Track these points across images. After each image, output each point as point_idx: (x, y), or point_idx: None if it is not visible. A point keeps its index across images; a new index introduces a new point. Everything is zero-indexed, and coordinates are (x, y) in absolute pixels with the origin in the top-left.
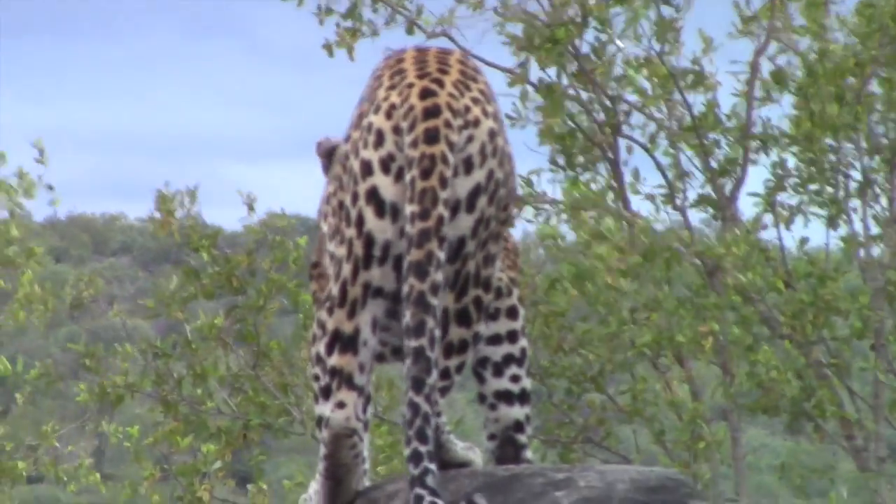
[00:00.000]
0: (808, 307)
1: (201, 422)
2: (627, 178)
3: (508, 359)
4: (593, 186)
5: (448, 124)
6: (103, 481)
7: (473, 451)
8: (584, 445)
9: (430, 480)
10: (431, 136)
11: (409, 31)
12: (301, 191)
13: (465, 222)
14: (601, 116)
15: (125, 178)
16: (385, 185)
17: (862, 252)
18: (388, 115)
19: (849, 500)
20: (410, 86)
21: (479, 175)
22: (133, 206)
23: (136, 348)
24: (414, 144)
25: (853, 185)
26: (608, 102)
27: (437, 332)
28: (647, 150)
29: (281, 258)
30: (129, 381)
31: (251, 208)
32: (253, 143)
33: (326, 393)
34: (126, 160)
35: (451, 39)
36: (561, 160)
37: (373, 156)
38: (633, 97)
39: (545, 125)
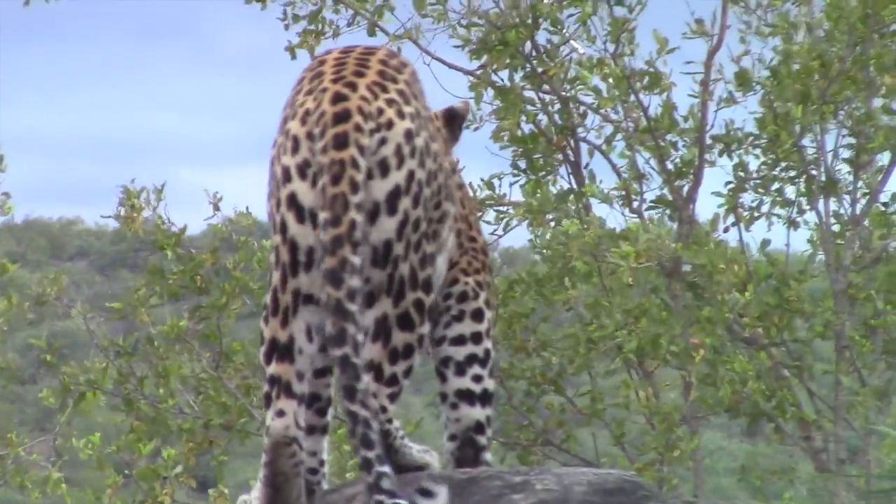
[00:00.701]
0: (773, 309)
1: (162, 420)
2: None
3: (471, 359)
4: (554, 189)
5: (358, 128)
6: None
7: (430, 454)
8: (544, 448)
9: (385, 483)
10: (341, 142)
11: (371, 33)
12: (257, 196)
13: (389, 225)
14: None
15: (80, 182)
16: (303, 191)
17: (823, 254)
18: (303, 121)
19: (807, 501)
20: (324, 90)
21: (397, 177)
22: (89, 211)
23: (98, 347)
24: (324, 150)
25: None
26: (560, 105)
27: (360, 337)
28: (602, 152)
29: (245, 258)
30: (91, 378)
31: (217, 207)
32: (208, 147)
33: (267, 401)
34: (81, 165)
35: (415, 42)
36: (522, 164)
37: (290, 162)
38: (588, 98)
39: (499, 127)
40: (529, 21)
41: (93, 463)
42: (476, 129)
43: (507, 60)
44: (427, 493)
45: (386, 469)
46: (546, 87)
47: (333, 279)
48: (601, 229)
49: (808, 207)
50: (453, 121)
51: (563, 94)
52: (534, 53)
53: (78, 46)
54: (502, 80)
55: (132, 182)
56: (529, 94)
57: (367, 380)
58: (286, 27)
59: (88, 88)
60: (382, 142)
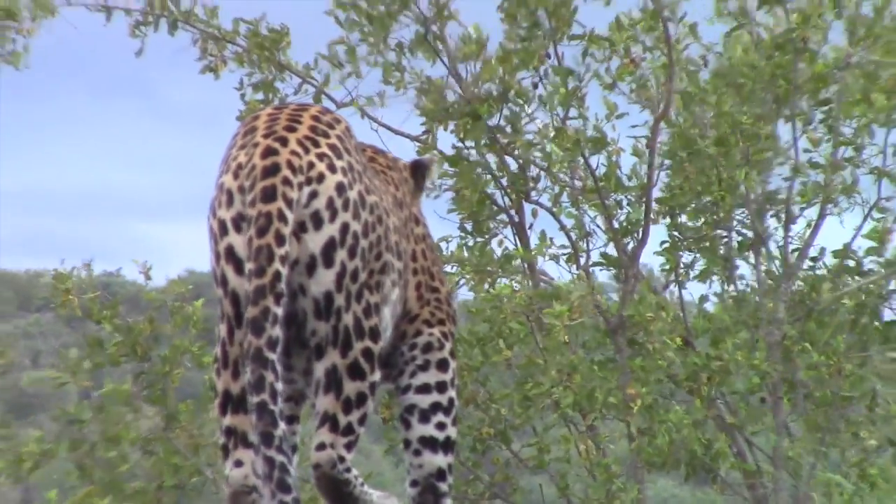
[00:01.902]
0: (701, 369)
1: (116, 485)
2: (534, 241)
3: (435, 407)
4: (498, 250)
5: (286, 181)
6: None
7: (390, 500)
8: (492, 501)
9: None
10: (268, 195)
11: (317, 100)
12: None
13: (327, 277)
14: (505, 182)
15: (42, 235)
16: (239, 244)
17: (756, 308)
18: (236, 175)
19: None
20: (256, 145)
21: (330, 229)
22: (52, 263)
23: (49, 416)
24: (252, 203)
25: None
26: (517, 170)
27: (279, 385)
28: (552, 213)
29: (181, 322)
30: (45, 447)
31: (147, 276)
32: (160, 201)
33: (225, 452)
34: (42, 218)
35: (361, 109)
36: (469, 226)
37: (226, 215)
38: (541, 162)
39: (460, 196)
40: (496, 95)
41: None
42: (436, 196)
43: (475, 131)
44: None
45: None
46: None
47: (255, 328)
48: (533, 290)
49: (739, 264)
50: (418, 171)
51: (519, 159)
52: (501, 124)
53: (38, 103)
54: (463, 145)
55: (62, 263)
56: (483, 158)
57: (283, 426)
58: (242, 96)
59: (46, 144)
60: (313, 195)
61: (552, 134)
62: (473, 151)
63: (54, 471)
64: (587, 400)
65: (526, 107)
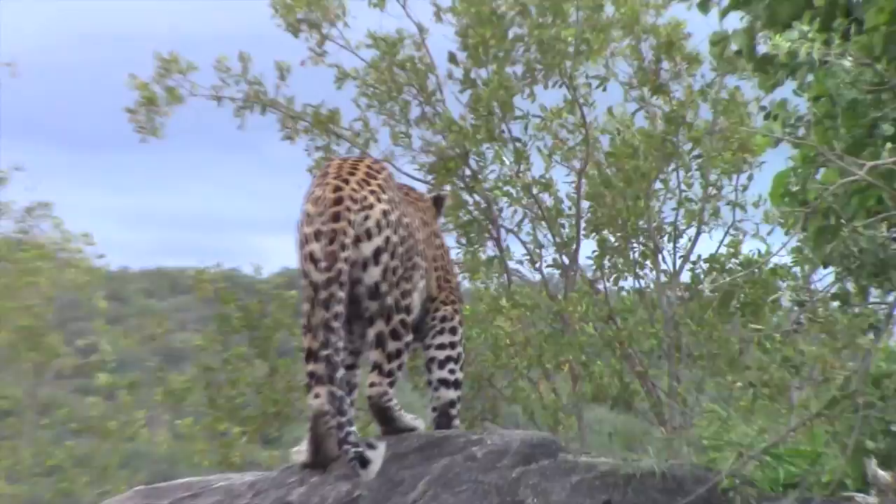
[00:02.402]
0: (615, 336)
1: (234, 413)
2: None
3: (449, 358)
4: (483, 256)
5: (348, 209)
6: None
7: (418, 421)
8: (483, 422)
9: (351, 438)
10: (336, 217)
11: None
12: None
13: (376, 272)
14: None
15: (189, 243)
16: (317, 250)
17: (654, 295)
18: (315, 203)
19: (655, 455)
20: (328, 184)
21: (378, 240)
22: (194, 262)
23: (193, 365)
24: (325, 223)
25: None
26: (485, 204)
27: (340, 344)
28: (514, 233)
29: (280, 304)
30: (187, 386)
31: (258, 272)
32: (263, 221)
33: (308, 389)
34: (188, 232)
35: (390, 162)
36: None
37: (307, 230)
38: (503, 200)
39: (452, 215)
40: (464, 154)
41: (185, 437)
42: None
43: (449, 179)
44: (372, 446)
45: (352, 429)
46: (475, 194)
47: (325, 306)
48: (504, 288)
49: (647, 266)
50: (438, 202)
51: (487, 196)
52: (467, 173)
53: (179, 156)
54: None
55: (201, 263)
56: (460, 197)
57: (342, 371)
58: (308, 155)
59: (190, 182)
60: (366, 217)
61: (511, 179)
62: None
63: (192, 404)
64: (537, 363)
65: (486, 163)
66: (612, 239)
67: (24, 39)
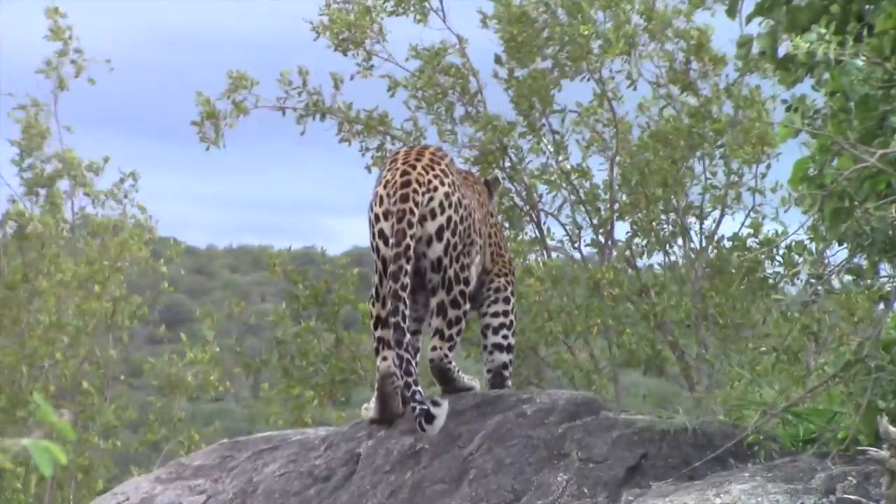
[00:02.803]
0: (650, 309)
1: (305, 380)
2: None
3: (502, 325)
4: (526, 238)
5: (415, 191)
6: None
7: (474, 381)
8: (529, 386)
9: (417, 396)
10: (404, 198)
11: None
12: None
13: (439, 247)
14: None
15: (268, 224)
16: (387, 228)
17: (683, 271)
18: (384, 186)
19: (686, 414)
20: (397, 169)
21: (441, 219)
22: (272, 241)
23: (266, 338)
24: (394, 203)
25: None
26: (526, 192)
27: (407, 312)
28: (554, 216)
29: (344, 282)
30: (264, 357)
31: (323, 255)
32: (334, 204)
33: (377, 353)
34: (266, 213)
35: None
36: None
37: (378, 210)
38: (544, 187)
39: (498, 202)
40: (502, 149)
41: (263, 400)
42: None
43: (490, 170)
44: (437, 404)
45: (418, 388)
46: (515, 182)
47: (394, 277)
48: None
49: (672, 245)
50: (491, 186)
51: (527, 184)
52: (507, 164)
53: (249, 148)
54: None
55: (273, 248)
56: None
57: (408, 337)
58: (362, 154)
59: (266, 172)
60: (431, 199)
61: (544, 171)
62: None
63: (270, 371)
64: (572, 329)
65: (524, 154)
66: (642, 219)
67: (111, 37)
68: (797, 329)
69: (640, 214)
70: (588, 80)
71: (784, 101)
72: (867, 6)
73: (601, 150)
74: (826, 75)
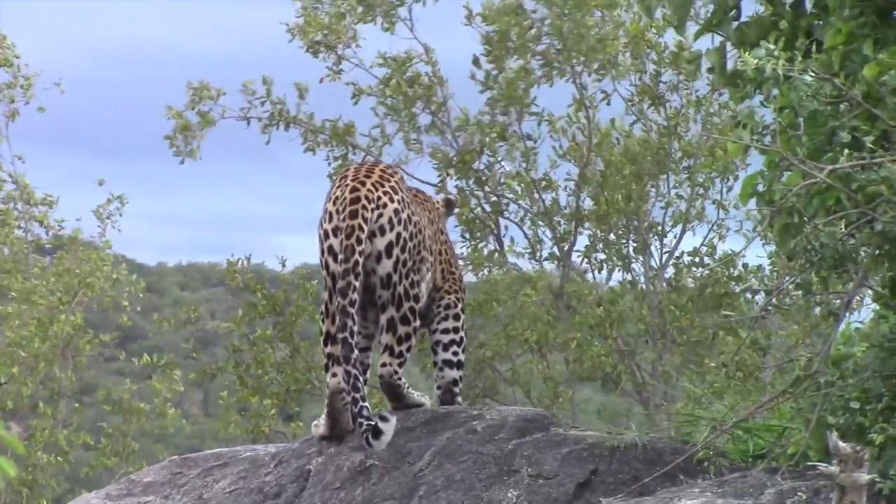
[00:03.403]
0: (604, 319)
1: (261, 389)
2: (506, 244)
3: (452, 342)
4: (486, 250)
5: (364, 207)
6: None
7: (425, 398)
8: (485, 399)
9: (364, 412)
10: (353, 214)
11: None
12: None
13: (388, 264)
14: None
15: (217, 241)
16: (336, 244)
17: (642, 287)
18: (334, 203)
19: (637, 430)
20: (346, 185)
21: (390, 236)
22: (224, 258)
23: (222, 347)
24: (343, 220)
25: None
26: (495, 198)
27: (355, 328)
28: (519, 226)
29: (302, 293)
30: (219, 365)
31: (283, 265)
32: (285, 221)
33: (326, 369)
34: (219, 231)
35: (401, 168)
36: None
37: (328, 227)
38: (509, 195)
39: (458, 216)
40: (479, 149)
41: (222, 409)
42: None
43: (464, 173)
44: (385, 419)
45: (365, 404)
46: (486, 187)
47: (342, 294)
48: (510, 276)
49: (634, 259)
50: (448, 205)
51: (496, 192)
52: (480, 167)
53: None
54: (463, 184)
55: (232, 255)
56: (476, 190)
57: (357, 353)
58: (328, 164)
59: (221, 188)
60: (380, 215)
61: (515, 176)
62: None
63: (224, 380)
64: (544, 338)
65: (497, 158)
66: (601, 234)
67: (48, 55)
68: (747, 344)
69: (601, 228)
70: (569, 81)
71: (733, 118)
72: (816, 22)
73: (575, 159)
74: (775, 91)
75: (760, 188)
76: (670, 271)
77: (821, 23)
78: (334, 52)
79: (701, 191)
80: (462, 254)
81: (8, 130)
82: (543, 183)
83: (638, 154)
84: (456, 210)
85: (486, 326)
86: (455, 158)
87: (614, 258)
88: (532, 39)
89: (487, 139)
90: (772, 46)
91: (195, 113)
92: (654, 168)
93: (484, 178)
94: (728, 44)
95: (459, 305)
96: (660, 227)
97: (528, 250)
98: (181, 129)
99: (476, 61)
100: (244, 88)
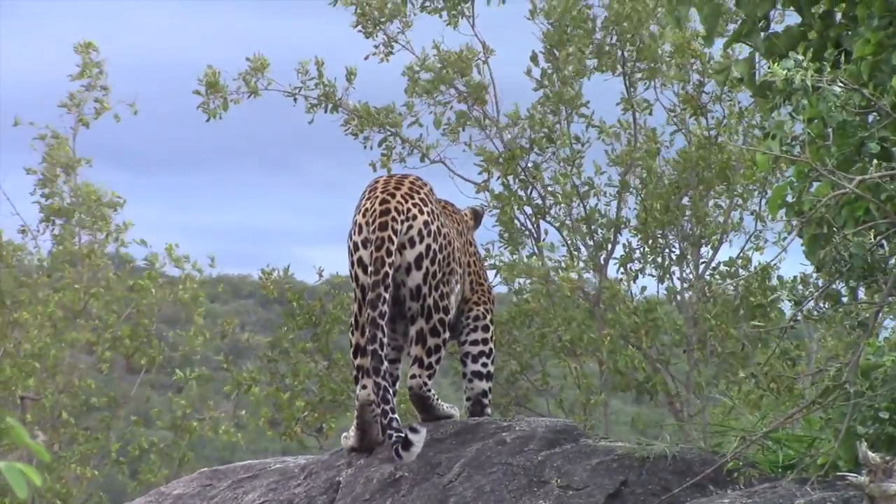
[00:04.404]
0: (640, 326)
1: (295, 399)
2: (546, 251)
3: (481, 353)
4: (524, 253)
5: (394, 219)
6: None
7: (454, 409)
8: (516, 408)
9: (394, 424)
10: (383, 226)
11: (422, 160)
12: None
13: (418, 276)
14: (528, 210)
15: (248, 253)
16: (365, 256)
17: (678, 297)
18: (364, 215)
19: (669, 440)
20: (376, 198)
21: (419, 248)
22: (254, 270)
23: (256, 355)
24: (373, 231)
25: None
26: (539, 200)
27: (385, 340)
28: (558, 230)
29: (338, 303)
30: (253, 375)
31: (320, 275)
32: (315, 233)
33: (356, 381)
34: (248, 244)
35: (444, 163)
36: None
37: (357, 239)
38: (550, 200)
39: (500, 216)
40: (530, 146)
41: (251, 406)
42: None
43: (510, 170)
44: (415, 431)
45: (395, 416)
46: (532, 188)
47: (372, 306)
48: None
49: (673, 269)
50: (475, 216)
51: (542, 194)
52: (528, 165)
53: (208, 176)
54: (504, 186)
55: (267, 265)
56: (517, 192)
57: (386, 364)
58: (370, 149)
59: (245, 197)
60: (410, 227)
61: (565, 178)
62: (514, 187)
63: (257, 392)
64: (579, 339)
65: (546, 158)
66: (637, 243)
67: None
68: (777, 355)
69: (638, 235)
70: (619, 75)
71: (763, 129)
72: (844, 32)
73: (621, 164)
74: (804, 102)
75: (790, 199)
76: (705, 281)
77: (850, 33)
78: (384, 32)
79: (739, 201)
80: (497, 256)
81: (74, 142)
82: (586, 187)
83: (678, 164)
84: (481, 220)
85: (520, 336)
86: (502, 155)
87: (651, 266)
88: (588, 32)
89: (536, 137)
90: (801, 57)
91: (242, 80)
92: (693, 179)
93: (531, 179)
94: (757, 54)
95: (488, 317)
96: (697, 238)
97: (566, 256)
98: (209, 86)
99: (534, 58)
100: (300, 67)
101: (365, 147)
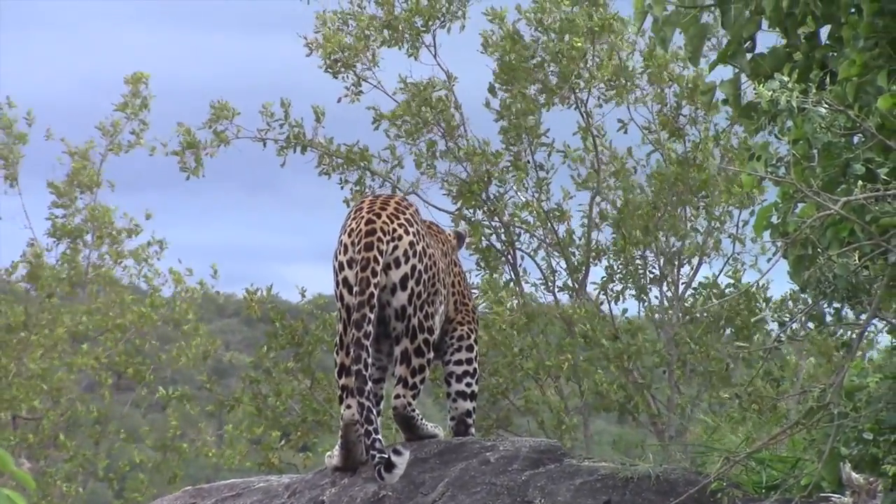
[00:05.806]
0: (623, 350)
1: (277, 420)
2: (521, 274)
3: (465, 373)
4: (501, 280)
5: (379, 239)
6: None
7: (438, 429)
8: (498, 430)
9: (377, 445)
10: (368, 247)
11: (392, 190)
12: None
13: (403, 296)
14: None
15: (233, 273)
16: (351, 276)
17: (657, 316)
18: (349, 235)
19: (652, 461)
20: (362, 217)
21: (405, 268)
22: (238, 289)
23: (238, 375)
24: (359, 251)
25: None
26: (504, 229)
27: (370, 360)
28: (531, 257)
29: (320, 323)
30: (236, 396)
31: (303, 295)
32: (297, 252)
33: (340, 401)
34: (233, 263)
35: (417, 194)
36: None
37: (343, 258)
38: (520, 226)
39: (468, 243)
40: (486, 179)
41: (227, 439)
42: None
43: (473, 201)
44: (398, 453)
45: (378, 436)
46: (496, 218)
47: (357, 326)
48: (523, 308)
49: (650, 290)
50: (459, 238)
51: (506, 222)
52: (490, 197)
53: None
54: (472, 214)
55: (251, 285)
56: (486, 221)
57: (370, 385)
58: (341, 188)
59: (228, 219)
60: (395, 248)
61: (525, 206)
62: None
63: (240, 412)
64: (558, 366)
65: (508, 188)
66: (617, 267)
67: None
68: (760, 375)
69: (618, 259)
70: (574, 107)
71: (747, 150)
72: (830, 53)
73: (588, 188)
74: (789, 123)
75: (775, 220)
76: (686, 302)
77: (835, 54)
78: (353, 73)
79: (717, 224)
80: (476, 283)
81: (101, 165)
82: (556, 214)
83: (654, 184)
84: (467, 241)
85: (500, 360)
86: (463, 188)
87: (627, 288)
88: (533, 68)
89: (494, 169)
90: (786, 78)
91: (211, 131)
92: (670, 198)
93: (494, 209)
94: (742, 75)
95: (472, 336)
96: (676, 257)
97: (542, 281)
98: (187, 146)
99: (492, 89)
100: (263, 110)
101: (341, 187)
